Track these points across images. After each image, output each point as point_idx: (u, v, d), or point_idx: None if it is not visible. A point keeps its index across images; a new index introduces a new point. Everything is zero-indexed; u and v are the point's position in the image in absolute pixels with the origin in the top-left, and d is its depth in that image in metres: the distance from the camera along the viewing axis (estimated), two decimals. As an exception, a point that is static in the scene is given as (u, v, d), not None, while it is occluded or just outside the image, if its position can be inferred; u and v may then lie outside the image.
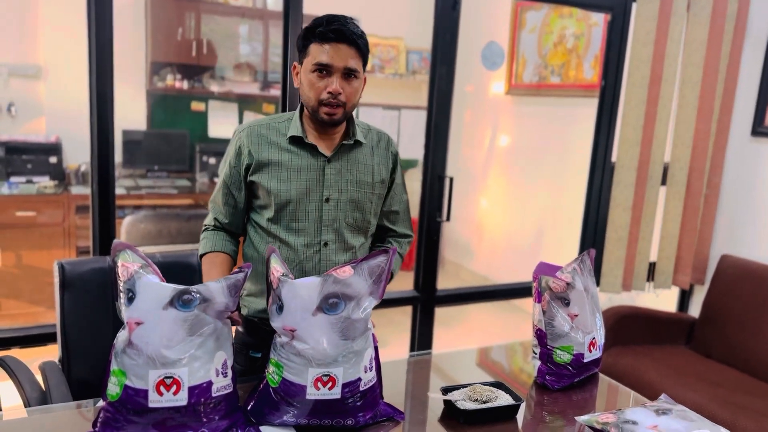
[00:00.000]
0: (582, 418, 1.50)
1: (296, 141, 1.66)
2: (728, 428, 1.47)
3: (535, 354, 1.79)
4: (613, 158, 3.22)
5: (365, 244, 1.78)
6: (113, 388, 1.26)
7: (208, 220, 1.77)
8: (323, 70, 1.56)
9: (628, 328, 3.12)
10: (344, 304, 1.36)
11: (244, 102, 4.70)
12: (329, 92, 1.57)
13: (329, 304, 1.35)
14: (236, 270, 1.35)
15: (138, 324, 1.24)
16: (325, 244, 1.68)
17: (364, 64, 1.62)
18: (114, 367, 1.27)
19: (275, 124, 1.69)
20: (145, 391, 1.24)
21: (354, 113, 1.72)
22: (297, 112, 1.69)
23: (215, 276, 1.63)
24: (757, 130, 3.21)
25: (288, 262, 1.67)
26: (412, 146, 4.99)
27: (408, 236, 1.89)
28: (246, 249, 1.77)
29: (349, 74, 1.58)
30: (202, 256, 1.73)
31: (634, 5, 3.05)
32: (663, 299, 3.54)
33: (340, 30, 1.54)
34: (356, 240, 1.74)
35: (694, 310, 3.53)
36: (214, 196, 1.75)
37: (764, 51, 3.18)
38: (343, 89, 1.57)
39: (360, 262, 1.39)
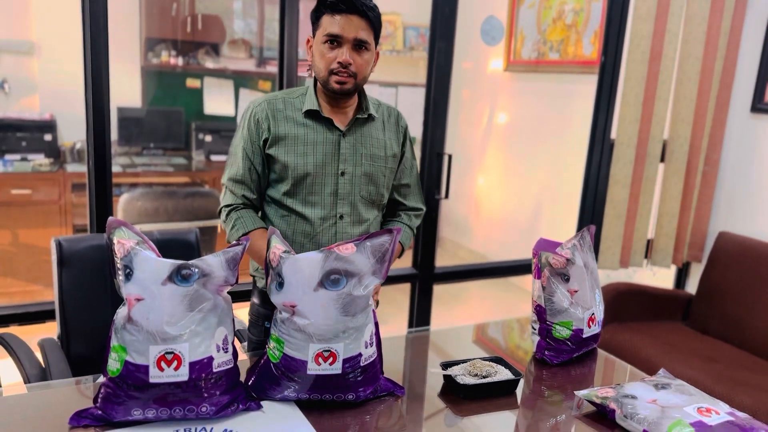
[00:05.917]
0: (581, 393, 1.50)
1: (312, 115, 1.68)
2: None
3: (534, 329, 1.79)
4: (613, 135, 3.20)
5: (378, 217, 1.81)
6: (114, 364, 1.26)
7: (232, 200, 1.71)
8: (334, 40, 1.57)
9: (626, 304, 3.13)
10: (346, 281, 1.35)
11: (240, 79, 4.66)
12: (339, 62, 1.57)
13: (331, 280, 1.34)
14: (234, 243, 1.34)
15: (138, 300, 1.24)
16: (341, 217, 1.70)
17: (376, 37, 1.63)
18: (114, 343, 1.27)
19: (290, 99, 1.70)
20: (146, 367, 1.24)
21: None
22: (311, 86, 1.70)
23: None
24: (757, 107, 3.19)
25: (304, 235, 1.70)
26: (409, 124, 4.93)
27: (419, 209, 1.91)
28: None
29: (359, 45, 1.59)
30: (243, 235, 1.67)
31: (635, -21, 3.01)
32: (660, 276, 3.55)
33: (350, 1, 1.55)
34: (370, 213, 1.76)
35: (691, 286, 3.54)
36: (235, 173, 1.69)
37: (765, 27, 3.15)
38: (354, 60, 1.58)
39: (363, 240, 1.38)
